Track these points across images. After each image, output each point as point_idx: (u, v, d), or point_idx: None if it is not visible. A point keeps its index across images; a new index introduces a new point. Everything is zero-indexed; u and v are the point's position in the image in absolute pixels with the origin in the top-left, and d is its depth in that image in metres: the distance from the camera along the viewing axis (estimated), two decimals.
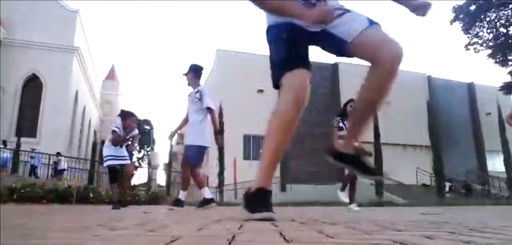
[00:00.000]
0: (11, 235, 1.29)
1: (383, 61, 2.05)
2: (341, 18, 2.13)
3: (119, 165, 6.63)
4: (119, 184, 6.71)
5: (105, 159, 6.68)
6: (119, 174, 6.69)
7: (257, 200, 2.14)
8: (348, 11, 2.19)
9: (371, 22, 2.13)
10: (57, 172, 18.98)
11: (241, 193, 12.03)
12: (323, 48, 2.33)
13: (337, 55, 2.32)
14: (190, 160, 5.76)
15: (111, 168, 6.61)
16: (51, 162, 19.27)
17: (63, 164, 19.71)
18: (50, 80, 24.54)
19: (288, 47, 2.17)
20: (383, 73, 2.08)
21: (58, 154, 19.80)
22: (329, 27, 2.12)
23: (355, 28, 2.11)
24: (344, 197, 6.16)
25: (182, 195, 5.92)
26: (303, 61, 2.18)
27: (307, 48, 2.27)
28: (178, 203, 5.68)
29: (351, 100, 6.19)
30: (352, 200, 6.25)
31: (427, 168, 23.00)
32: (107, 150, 6.64)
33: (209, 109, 5.82)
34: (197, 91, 5.87)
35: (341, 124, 6.01)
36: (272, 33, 2.27)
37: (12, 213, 3.30)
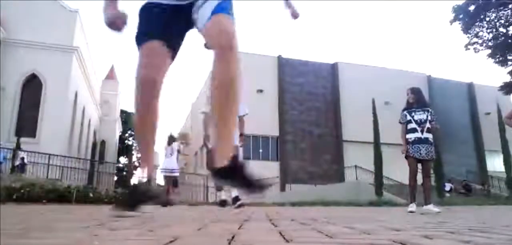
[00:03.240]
0: (10, 235, 1.29)
1: (214, 41, 2.00)
2: (203, 3, 2.07)
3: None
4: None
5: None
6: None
7: (129, 195, 2.39)
8: None
9: (216, 10, 2.02)
10: (18, 167, 18.54)
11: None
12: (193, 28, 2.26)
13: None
14: None
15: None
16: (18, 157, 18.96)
17: (20, 159, 19.22)
18: (49, 80, 24.51)
19: (142, 22, 2.21)
20: (217, 53, 1.97)
21: (18, 149, 19.51)
22: (193, 12, 2.10)
23: (204, 16, 2.05)
24: (433, 207, 5.46)
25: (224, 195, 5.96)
26: (160, 32, 2.16)
27: (174, 32, 2.23)
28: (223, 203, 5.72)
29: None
30: (428, 200, 5.71)
31: None
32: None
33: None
34: None
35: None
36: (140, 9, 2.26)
37: (11, 213, 3.30)
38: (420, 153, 5.71)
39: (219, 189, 5.91)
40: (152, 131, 2.29)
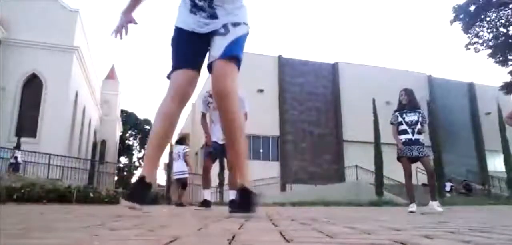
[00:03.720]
0: (11, 235, 1.29)
1: (214, 97, 2.39)
2: (219, 39, 2.38)
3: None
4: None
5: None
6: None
7: (133, 189, 2.49)
8: (224, 33, 2.38)
9: (225, 53, 2.32)
10: (12, 166, 18.46)
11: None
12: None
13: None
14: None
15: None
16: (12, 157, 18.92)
17: (14, 158, 19.16)
18: (50, 80, 24.52)
19: (176, 49, 2.53)
20: (218, 109, 2.38)
21: (14, 148, 19.50)
22: (214, 37, 2.40)
23: (213, 53, 2.38)
24: (437, 206, 5.42)
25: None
26: (188, 62, 2.48)
27: (197, 50, 2.50)
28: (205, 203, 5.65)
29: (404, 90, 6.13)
30: (433, 197, 5.67)
31: None
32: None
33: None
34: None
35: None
36: (173, 34, 2.57)
37: (12, 213, 3.30)
38: (412, 153, 5.73)
39: (205, 187, 5.85)
40: (167, 141, 2.61)
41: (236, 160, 2.41)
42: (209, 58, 2.42)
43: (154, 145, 2.50)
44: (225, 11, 2.41)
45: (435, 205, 5.33)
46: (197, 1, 2.41)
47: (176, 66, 2.49)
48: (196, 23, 2.43)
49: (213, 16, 2.40)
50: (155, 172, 2.62)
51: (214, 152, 5.74)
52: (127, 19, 2.73)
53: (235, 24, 2.39)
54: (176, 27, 2.53)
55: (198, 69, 2.51)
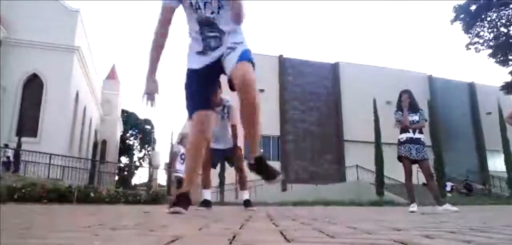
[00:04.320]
0: (11, 235, 1.29)
1: (238, 89, 2.66)
2: (229, 55, 2.80)
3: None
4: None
5: None
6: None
7: (179, 200, 2.96)
8: (233, 48, 2.81)
9: (240, 58, 2.76)
10: (6, 165, 18.40)
11: (240, 193, 11.90)
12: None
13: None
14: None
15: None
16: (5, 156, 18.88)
17: (5, 157, 19.09)
18: (51, 80, 24.51)
19: (193, 92, 2.97)
20: (242, 97, 2.66)
21: (6, 146, 19.45)
22: (222, 61, 2.84)
23: (230, 64, 2.76)
24: (450, 206, 5.37)
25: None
26: (203, 104, 2.96)
27: (210, 87, 3.06)
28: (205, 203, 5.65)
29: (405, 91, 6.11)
30: (438, 200, 5.57)
31: None
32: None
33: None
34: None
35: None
36: (186, 77, 3.00)
37: (12, 213, 3.31)
38: (411, 153, 5.73)
39: (206, 187, 5.85)
40: (200, 161, 3.15)
41: (253, 141, 2.86)
42: (227, 74, 2.81)
43: (192, 175, 3.16)
44: (228, 35, 2.82)
45: (448, 206, 5.23)
46: (207, 33, 2.82)
47: (196, 108, 2.96)
48: (208, 58, 2.87)
49: (219, 43, 2.83)
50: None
51: (216, 160, 5.88)
52: (154, 83, 3.01)
53: (238, 43, 2.84)
54: (189, 69, 2.96)
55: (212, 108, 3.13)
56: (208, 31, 2.81)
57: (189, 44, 2.96)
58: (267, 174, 2.91)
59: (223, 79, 3.07)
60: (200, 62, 2.89)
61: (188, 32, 2.94)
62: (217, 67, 2.88)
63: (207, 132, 3.06)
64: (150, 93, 2.97)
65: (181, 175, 9.68)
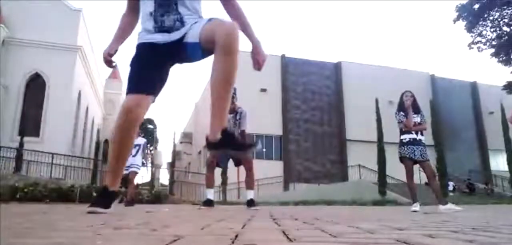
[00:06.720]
0: (13, 234, 1.29)
1: (219, 39, 2.21)
2: (191, 29, 2.44)
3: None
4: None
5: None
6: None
7: (98, 197, 2.67)
8: (195, 22, 2.48)
9: (210, 19, 2.38)
10: None
11: (243, 192, 11.96)
12: (185, 60, 2.64)
13: (198, 59, 2.55)
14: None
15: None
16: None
17: None
18: (53, 79, 24.53)
19: (135, 70, 2.64)
20: (222, 50, 2.22)
21: None
22: (184, 39, 2.45)
23: (198, 29, 2.39)
24: (452, 205, 5.36)
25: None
26: (142, 87, 2.57)
27: (158, 71, 2.62)
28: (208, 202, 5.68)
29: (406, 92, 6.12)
30: (441, 199, 5.54)
31: None
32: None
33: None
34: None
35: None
36: (137, 50, 2.68)
37: (14, 212, 3.31)
38: (415, 155, 5.74)
39: (209, 186, 5.90)
40: (126, 156, 2.75)
41: (221, 112, 2.37)
42: (197, 40, 2.40)
43: (116, 161, 2.70)
44: (190, 18, 2.52)
45: (450, 206, 5.24)
46: (165, 18, 2.52)
47: (130, 90, 2.61)
48: (166, 36, 2.52)
49: (181, 24, 2.51)
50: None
51: (221, 162, 6.06)
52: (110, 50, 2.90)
53: (200, 18, 2.55)
54: (139, 43, 2.64)
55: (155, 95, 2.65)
56: (165, 11, 2.55)
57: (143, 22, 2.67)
58: (239, 145, 2.60)
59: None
60: (158, 39, 2.54)
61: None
62: (174, 51, 2.53)
63: (132, 122, 2.58)
64: (105, 57, 2.90)
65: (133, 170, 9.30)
